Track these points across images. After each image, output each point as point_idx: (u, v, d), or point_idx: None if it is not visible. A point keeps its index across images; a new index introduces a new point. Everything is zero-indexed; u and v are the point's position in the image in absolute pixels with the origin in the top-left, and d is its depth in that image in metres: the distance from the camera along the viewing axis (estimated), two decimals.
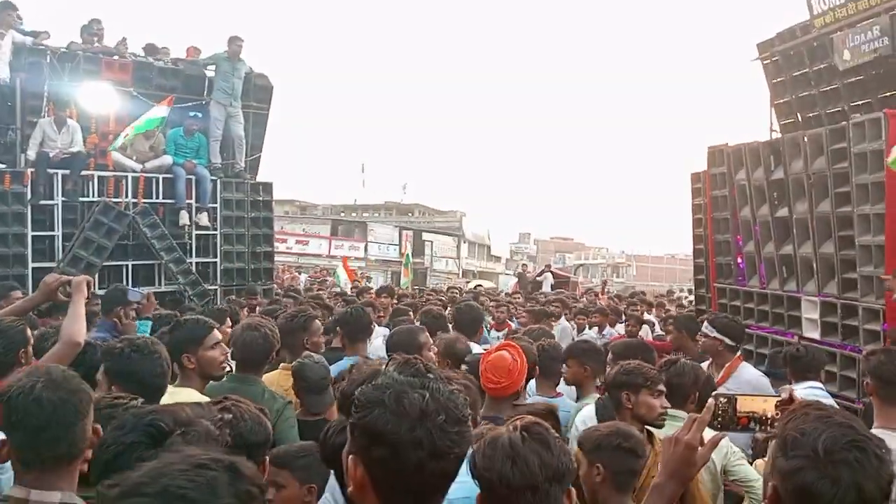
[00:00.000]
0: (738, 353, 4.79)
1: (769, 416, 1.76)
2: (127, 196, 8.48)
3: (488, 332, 7.06)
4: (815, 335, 5.87)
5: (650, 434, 3.00)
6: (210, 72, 9.46)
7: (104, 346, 2.87)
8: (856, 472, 1.35)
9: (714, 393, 1.84)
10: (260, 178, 10.13)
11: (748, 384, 4.41)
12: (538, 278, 21.28)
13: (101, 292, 4.73)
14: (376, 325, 5.52)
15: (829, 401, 3.98)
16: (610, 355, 4.13)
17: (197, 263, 9.01)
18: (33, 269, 7.77)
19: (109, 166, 8.59)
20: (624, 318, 9.11)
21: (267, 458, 2.10)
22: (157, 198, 8.76)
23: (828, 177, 5.62)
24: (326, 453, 1.92)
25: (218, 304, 8.15)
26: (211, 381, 3.25)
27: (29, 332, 2.96)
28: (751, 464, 3.35)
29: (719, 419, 1.79)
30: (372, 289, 12.89)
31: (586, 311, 9.07)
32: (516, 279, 22.99)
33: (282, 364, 3.91)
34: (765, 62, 7.88)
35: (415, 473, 1.25)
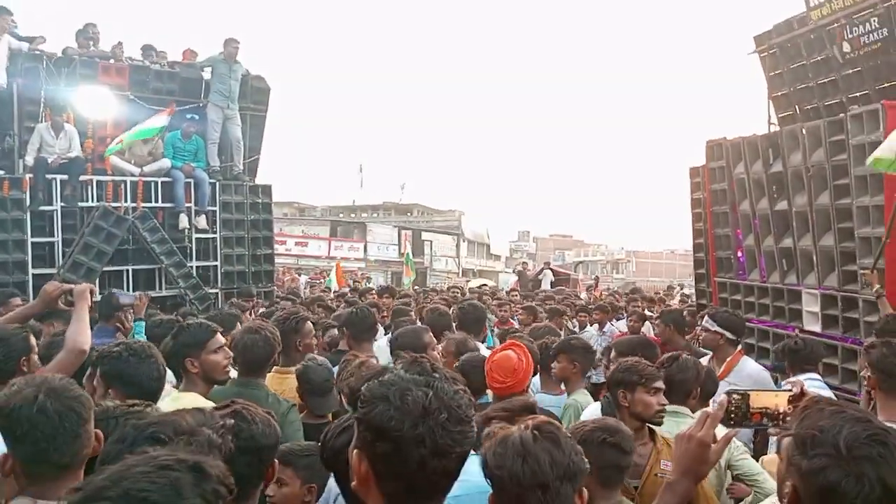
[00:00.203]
0: (739, 348, 4.81)
1: (781, 410, 1.75)
2: (126, 200, 8.50)
3: (491, 330, 7.07)
4: (816, 328, 5.87)
5: (652, 431, 3.00)
6: (207, 74, 9.46)
7: (100, 350, 2.86)
8: (879, 467, 1.33)
9: (727, 390, 1.82)
10: (258, 180, 10.13)
11: (749, 378, 4.44)
12: (538, 276, 21.29)
13: (128, 297, 4.73)
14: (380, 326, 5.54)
15: (828, 392, 4.00)
16: (613, 353, 4.15)
17: (197, 267, 9.01)
18: (33, 275, 7.80)
19: (108, 171, 8.60)
20: (625, 314, 9.12)
21: (276, 459, 2.10)
22: (157, 202, 8.78)
23: (826, 169, 5.61)
24: (327, 456, 1.92)
25: (218, 308, 8.14)
26: (215, 386, 3.25)
27: (32, 340, 2.93)
28: (755, 458, 3.36)
29: (732, 415, 1.76)
30: (373, 289, 12.91)
31: (587, 308, 9.08)
32: (516, 277, 22.97)
33: (275, 367, 3.88)
34: (762, 55, 7.87)
35: (416, 470, 1.26)
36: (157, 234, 8.51)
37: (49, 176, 7.99)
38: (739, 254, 7.26)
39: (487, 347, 4.92)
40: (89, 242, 7.97)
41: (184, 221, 8.85)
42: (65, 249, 8.04)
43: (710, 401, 4.02)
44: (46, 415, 1.83)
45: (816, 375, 4.22)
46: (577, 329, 8.25)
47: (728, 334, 4.70)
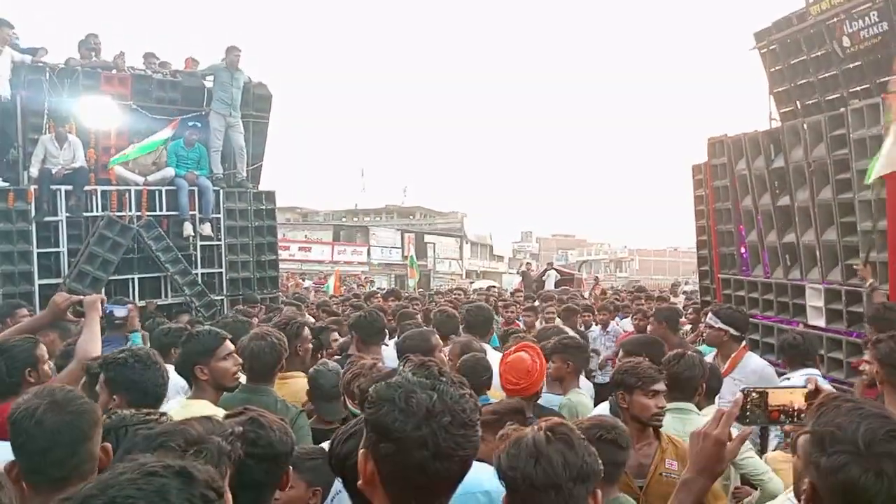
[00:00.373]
0: (744, 343, 4.81)
1: (796, 407, 1.74)
2: (130, 209, 8.52)
3: (499, 331, 7.09)
4: (821, 322, 5.88)
5: (657, 431, 3.01)
6: (209, 82, 9.49)
7: (104, 357, 2.86)
8: None
9: (742, 388, 1.81)
10: (261, 186, 10.16)
11: (754, 373, 4.44)
12: (542, 277, 21.31)
13: (122, 309, 4.70)
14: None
15: (828, 387, 4.00)
16: (621, 352, 4.16)
17: (202, 274, 9.02)
18: (40, 286, 7.83)
19: (112, 181, 8.63)
20: (630, 313, 9.11)
21: (291, 466, 2.11)
22: (161, 210, 8.80)
23: (828, 164, 5.62)
24: (335, 461, 1.90)
25: (223, 315, 8.17)
26: (224, 393, 3.26)
27: (39, 350, 2.92)
28: (760, 455, 3.37)
29: (749, 413, 1.75)
30: (378, 293, 12.94)
31: (591, 308, 9.08)
32: (520, 278, 22.99)
33: None
34: (762, 51, 7.88)
35: (418, 472, 1.27)
36: (161, 242, 8.54)
37: (53, 187, 8.02)
38: (743, 250, 7.27)
39: (493, 348, 4.95)
40: (94, 252, 8.00)
41: (188, 229, 8.88)
42: (70, 259, 8.07)
43: (716, 398, 4.04)
44: (42, 428, 1.83)
45: (816, 371, 4.22)
46: (582, 328, 8.25)
47: (732, 330, 4.71)
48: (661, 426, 3.01)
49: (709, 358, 4.49)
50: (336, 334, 5.82)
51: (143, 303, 8.03)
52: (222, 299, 9.16)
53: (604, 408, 3.52)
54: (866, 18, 6.23)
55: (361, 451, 1.35)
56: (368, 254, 37.16)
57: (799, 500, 1.48)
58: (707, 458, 1.67)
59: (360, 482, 1.36)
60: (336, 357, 4.73)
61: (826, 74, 7.03)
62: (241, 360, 3.30)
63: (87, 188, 8.28)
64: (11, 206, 7.75)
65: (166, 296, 8.78)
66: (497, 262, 51.06)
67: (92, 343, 2.99)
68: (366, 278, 29.46)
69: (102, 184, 8.56)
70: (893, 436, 1.35)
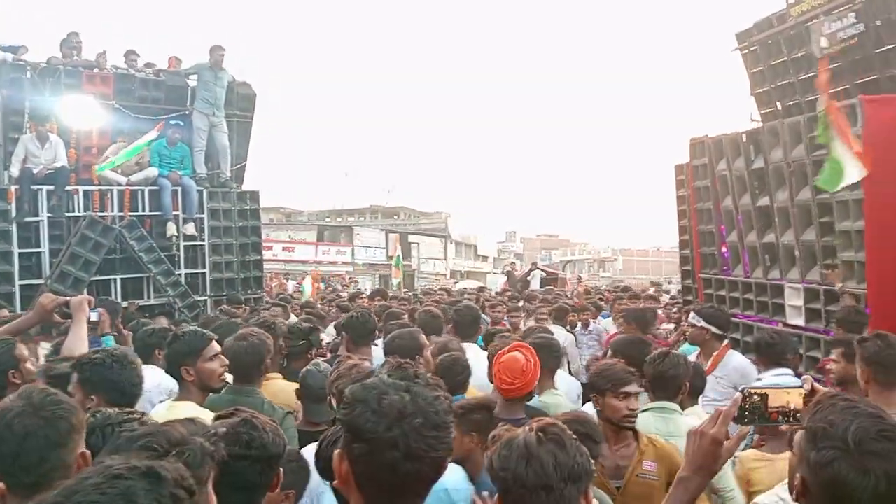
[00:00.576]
0: (726, 342, 4.88)
1: (792, 407, 1.76)
2: (113, 210, 8.46)
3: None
4: (800, 322, 5.96)
5: (636, 432, 3.03)
6: (192, 82, 9.44)
7: (79, 357, 2.84)
8: (887, 463, 1.35)
9: (742, 388, 1.82)
10: (245, 186, 10.13)
11: (736, 371, 4.52)
12: (527, 277, 21.38)
13: (94, 313, 4.65)
14: None
15: (823, 388, 4.04)
16: (609, 352, 4.19)
17: (186, 275, 8.98)
18: (20, 286, 7.77)
19: (94, 180, 8.56)
20: (611, 312, 9.19)
21: (281, 468, 2.11)
22: (144, 210, 8.75)
23: (807, 164, 5.70)
24: (323, 464, 1.92)
25: (205, 315, 8.11)
26: (210, 394, 3.26)
27: (19, 350, 2.91)
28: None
29: (747, 413, 1.76)
30: (363, 293, 12.93)
31: (576, 308, 9.15)
32: (504, 278, 23.05)
33: None
34: (744, 52, 7.97)
35: (389, 472, 1.29)
36: (144, 242, 8.48)
37: (35, 187, 7.95)
38: (724, 250, 7.36)
39: (481, 347, 4.99)
40: (76, 252, 7.93)
41: (171, 229, 8.83)
42: (52, 260, 7.99)
43: (700, 397, 4.09)
44: (12, 431, 1.79)
45: (788, 370, 4.25)
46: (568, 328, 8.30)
47: (714, 329, 4.79)
48: (632, 427, 3.02)
49: (692, 357, 4.55)
50: (323, 334, 5.83)
51: (125, 304, 7.98)
52: (206, 300, 9.11)
53: (589, 408, 3.55)
54: (844, 20, 6.33)
55: (337, 451, 1.37)
56: (352, 254, 37.06)
57: (792, 495, 1.51)
58: (704, 456, 1.69)
59: (335, 482, 1.38)
60: (326, 357, 4.74)
61: (806, 76, 7.12)
62: (227, 361, 3.30)
63: (68, 188, 8.22)
64: None
65: (149, 297, 8.72)
66: (481, 262, 51.15)
67: (79, 344, 2.99)
68: (350, 279, 29.36)
69: (84, 183, 8.50)
70: (885, 436, 1.38)
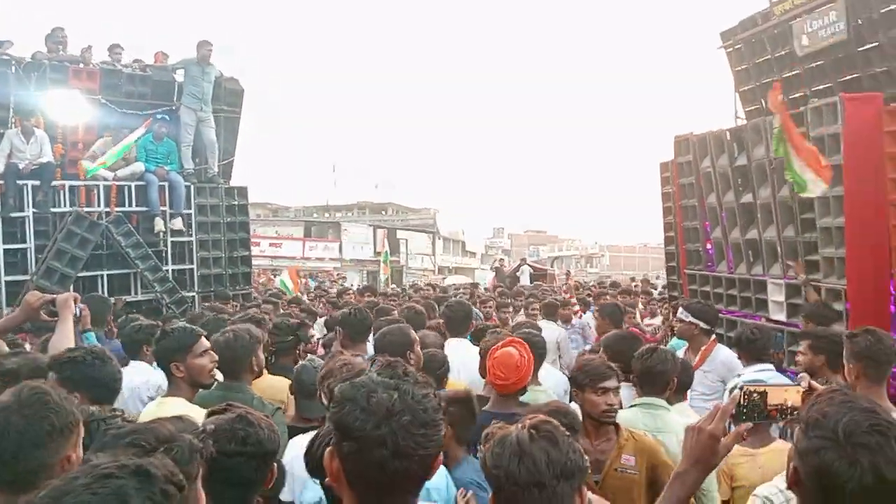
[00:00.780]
0: (713, 337, 4.94)
1: (790, 405, 1.78)
2: (99, 205, 8.41)
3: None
4: (782, 317, 6.05)
5: (617, 427, 3.05)
6: (179, 77, 9.38)
7: (56, 356, 2.80)
8: (876, 456, 1.36)
9: (740, 384, 1.84)
10: (232, 182, 10.08)
11: (723, 365, 4.59)
12: (516, 272, 21.47)
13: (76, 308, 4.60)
14: None
15: (821, 387, 4.10)
16: (602, 348, 4.22)
17: (173, 271, 8.94)
18: (6, 282, 7.72)
19: (80, 176, 8.49)
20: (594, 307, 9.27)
21: (275, 464, 2.12)
22: (130, 206, 8.69)
23: None
24: (315, 464, 1.92)
25: (193, 311, 8.10)
26: (200, 390, 3.25)
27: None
28: None
29: (746, 410, 1.76)
30: (350, 289, 12.93)
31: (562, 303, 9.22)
32: (493, 274, 23.14)
33: None
34: (728, 50, 8.07)
35: (378, 470, 1.31)
36: (131, 238, 8.42)
37: (20, 182, 7.88)
38: (708, 246, 7.45)
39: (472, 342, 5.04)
40: (63, 248, 7.87)
41: (158, 225, 8.78)
42: (38, 256, 7.93)
43: (689, 391, 4.15)
44: None
45: (770, 366, 4.30)
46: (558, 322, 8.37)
47: (702, 324, 4.85)
48: (611, 422, 3.04)
49: (680, 353, 4.61)
50: (313, 330, 5.85)
51: (112, 300, 7.94)
52: (194, 296, 9.07)
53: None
54: (825, 18, 6.42)
55: (328, 449, 1.40)
56: (340, 250, 36.96)
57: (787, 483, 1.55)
58: (701, 451, 1.70)
59: (327, 479, 1.40)
60: (317, 353, 4.76)
61: (789, 73, 7.22)
62: (216, 357, 3.29)
63: (54, 183, 8.14)
64: None
65: (136, 293, 8.68)
66: (469, 257, 51.21)
67: (65, 342, 2.97)
68: (338, 274, 29.31)
69: (70, 179, 8.42)
70: (876, 430, 1.39)
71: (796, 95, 7.15)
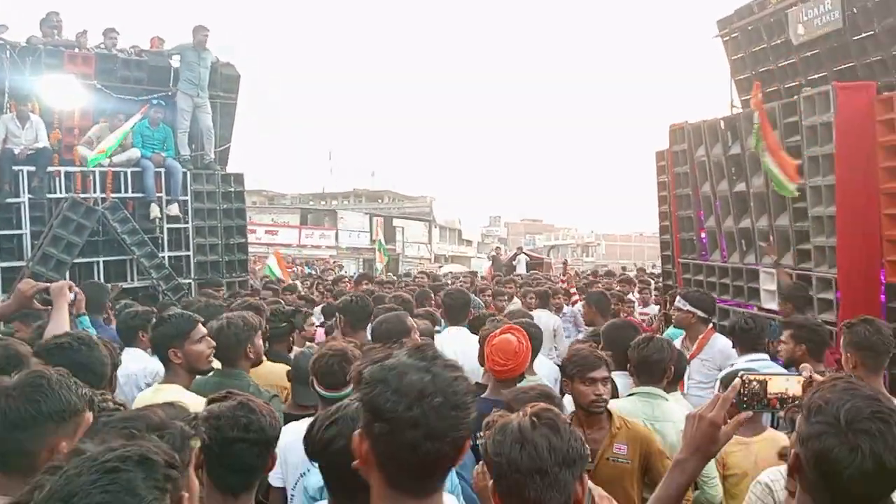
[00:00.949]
0: (711, 325, 4.96)
1: (791, 394, 1.78)
2: (95, 191, 8.38)
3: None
4: (773, 306, 6.06)
5: (610, 416, 3.07)
6: (175, 62, 9.34)
7: (42, 343, 2.79)
8: (876, 443, 1.37)
9: (741, 373, 1.83)
10: (229, 169, 10.04)
11: (721, 353, 4.62)
12: (512, 261, 21.53)
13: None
14: None
15: (779, 370, 4.15)
16: (601, 338, 4.24)
17: (170, 257, 8.92)
18: (1, 268, 7.71)
19: (76, 162, 8.47)
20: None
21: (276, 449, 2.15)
22: (126, 192, 8.66)
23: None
24: (314, 448, 1.92)
25: (189, 298, 8.11)
26: (196, 377, 3.27)
27: None
28: None
29: (746, 399, 1.76)
30: (345, 277, 12.97)
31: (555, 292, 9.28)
32: (489, 263, 23.19)
33: None
34: (724, 39, 8.06)
35: (410, 452, 1.29)
36: (127, 224, 8.39)
37: (16, 167, 7.85)
38: (702, 235, 7.49)
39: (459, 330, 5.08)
40: (58, 234, 7.84)
41: (154, 211, 8.75)
42: (33, 242, 7.92)
43: (686, 378, 4.18)
44: None
45: (765, 355, 4.30)
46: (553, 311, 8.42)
47: (699, 313, 4.89)
48: (599, 412, 3.05)
49: (677, 342, 4.64)
50: (312, 318, 5.89)
51: (109, 286, 7.95)
52: (190, 283, 9.05)
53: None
54: (821, 7, 6.42)
55: (357, 431, 1.38)
56: (336, 238, 36.96)
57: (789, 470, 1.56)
58: (701, 439, 1.71)
59: (355, 462, 1.39)
60: (316, 340, 4.78)
61: (785, 62, 7.22)
62: (214, 343, 3.30)
63: (50, 169, 8.11)
64: None
65: (132, 279, 8.66)
66: (466, 246, 51.26)
67: (61, 331, 2.97)
68: (334, 262, 29.32)
69: (66, 165, 8.39)
70: (877, 417, 1.40)
71: (791, 84, 7.16)
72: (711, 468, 3.10)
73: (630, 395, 3.50)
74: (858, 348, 3.09)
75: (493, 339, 3.41)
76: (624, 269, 19.15)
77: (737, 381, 1.78)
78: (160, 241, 8.87)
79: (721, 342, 4.77)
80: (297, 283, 12.43)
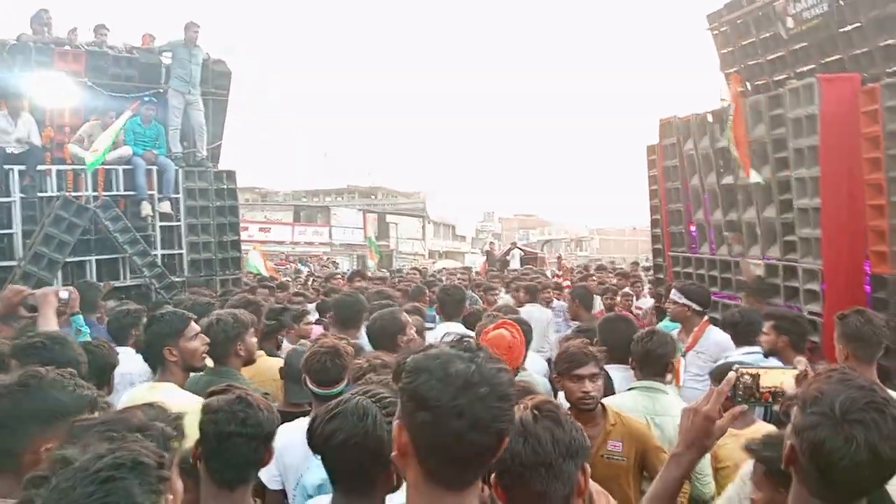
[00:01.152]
0: (706, 318, 4.99)
1: (784, 388, 1.77)
2: (87, 189, 8.35)
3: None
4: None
5: (605, 411, 3.07)
6: (166, 59, 9.33)
7: (16, 343, 2.80)
8: (871, 433, 1.38)
9: (735, 366, 1.83)
10: (221, 166, 10.04)
11: (716, 345, 4.64)
12: (506, 256, 21.58)
13: (64, 292, 4.56)
14: None
15: (772, 363, 4.19)
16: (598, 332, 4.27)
17: (162, 255, 8.91)
18: None
19: (67, 160, 8.44)
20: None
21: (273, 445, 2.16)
22: (118, 190, 8.64)
23: (767, 143, 5.83)
24: (315, 442, 1.93)
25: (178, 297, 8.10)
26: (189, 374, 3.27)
27: None
28: None
29: (740, 393, 1.76)
30: (338, 274, 12.99)
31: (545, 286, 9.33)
32: (483, 258, 23.23)
33: None
34: (714, 32, 8.10)
35: (454, 443, 1.26)
36: (119, 222, 8.36)
37: (6, 166, 7.81)
38: (692, 228, 7.54)
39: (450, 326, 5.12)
40: (50, 233, 7.81)
41: (146, 209, 8.73)
42: (25, 241, 7.88)
43: (682, 371, 4.21)
44: None
45: (758, 348, 4.29)
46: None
47: (695, 306, 4.93)
48: (588, 409, 3.04)
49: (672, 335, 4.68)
50: (309, 316, 5.91)
51: (101, 284, 7.94)
52: (183, 280, 9.03)
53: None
54: (809, 0, 6.46)
55: (396, 422, 1.35)
56: (330, 234, 36.93)
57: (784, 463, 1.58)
58: (696, 433, 1.71)
59: (393, 454, 1.36)
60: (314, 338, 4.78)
61: (774, 55, 7.24)
62: (208, 340, 3.31)
63: (41, 168, 8.09)
64: None
65: (125, 278, 8.64)
66: (460, 241, 51.26)
67: None
68: (328, 259, 29.32)
69: (57, 163, 8.37)
70: (872, 407, 1.41)
71: (781, 77, 7.18)
72: (705, 464, 3.11)
73: (631, 389, 3.49)
74: (850, 339, 3.11)
75: (486, 335, 3.43)
76: (612, 262, 19.18)
77: (731, 374, 1.78)
78: (152, 240, 8.85)
79: (716, 335, 4.79)
80: (289, 280, 12.45)
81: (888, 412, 1.41)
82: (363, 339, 4.17)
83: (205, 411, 2.10)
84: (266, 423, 2.09)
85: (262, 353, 4.35)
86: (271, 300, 7.21)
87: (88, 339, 3.72)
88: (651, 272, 10.30)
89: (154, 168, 8.85)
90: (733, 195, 6.50)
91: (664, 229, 8.13)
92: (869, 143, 5.04)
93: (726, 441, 3.21)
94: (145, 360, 3.35)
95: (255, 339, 3.70)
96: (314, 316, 6.91)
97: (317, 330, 6.33)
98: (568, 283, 10.50)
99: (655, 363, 3.44)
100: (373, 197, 51.88)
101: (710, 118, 6.85)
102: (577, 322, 5.94)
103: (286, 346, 5.16)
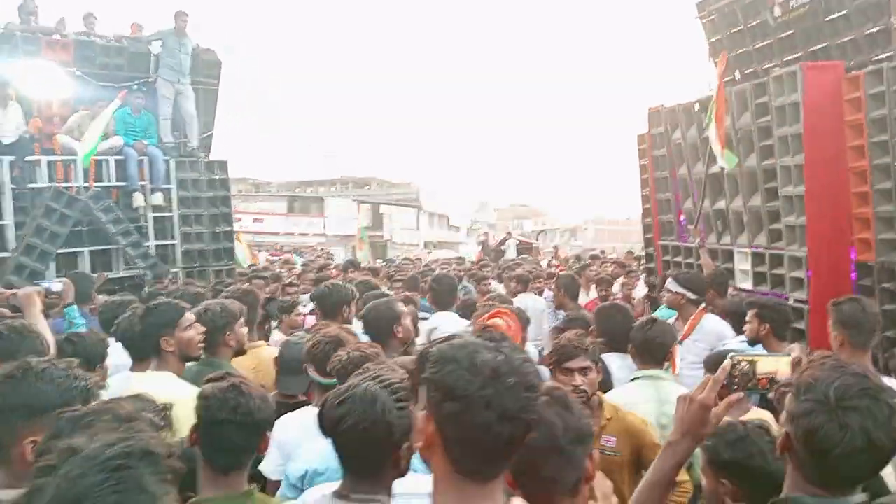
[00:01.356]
0: (702, 306, 5.01)
1: (780, 375, 1.77)
2: (78, 180, 8.31)
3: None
4: (748, 285, 6.17)
5: (601, 405, 3.06)
6: (155, 49, 9.28)
7: None
8: (865, 419, 1.38)
9: (731, 354, 1.83)
10: (212, 156, 10.01)
11: (713, 333, 4.67)
12: (501, 246, 21.61)
13: (58, 283, 4.54)
14: None
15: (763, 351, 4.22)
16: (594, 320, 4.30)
17: (156, 246, 8.90)
18: None
19: (56, 150, 8.40)
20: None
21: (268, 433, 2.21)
22: (109, 180, 8.62)
23: (752, 131, 5.87)
24: (326, 425, 1.93)
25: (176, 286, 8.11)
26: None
27: None
28: None
29: (736, 380, 1.76)
30: (331, 265, 13.00)
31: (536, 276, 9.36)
32: (479, 248, 23.25)
33: None
34: (703, 21, 8.12)
35: (481, 433, 1.25)
36: (111, 213, 8.34)
37: None
38: (681, 217, 7.59)
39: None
40: (42, 225, 7.79)
41: (138, 200, 8.72)
42: (17, 233, 7.86)
43: (678, 360, 4.24)
44: None
45: (745, 338, 4.29)
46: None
47: (690, 294, 4.94)
48: (581, 402, 2.95)
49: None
50: (300, 307, 5.93)
51: (95, 276, 7.93)
52: (177, 271, 9.03)
53: None
54: None
55: (421, 413, 1.32)
56: (324, 225, 36.84)
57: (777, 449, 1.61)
58: (692, 421, 1.70)
59: (419, 446, 1.35)
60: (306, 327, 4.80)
61: (762, 44, 7.28)
62: (203, 329, 3.31)
63: (31, 158, 8.06)
64: None
65: (118, 269, 8.63)
66: (454, 232, 51.22)
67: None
68: (322, 250, 29.27)
69: (47, 154, 8.33)
70: (866, 394, 1.42)
71: (768, 66, 7.21)
72: (698, 457, 3.15)
73: (634, 378, 3.49)
74: (845, 326, 3.13)
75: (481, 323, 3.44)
76: (603, 252, 19.17)
77: (727, 362, 1.78)
78: (145, 230, 8.84)
79: (712, 322, 4.83)
80: (283, 272, 12.43)
81: (882, 399, 1.42)
82: (356, 329, 4.13)
83: (199, 397, 2.16)
84: (257, 412, 2.12)
85: (262, 343, 4.39)
86: (266, 291, 7.23)
87: (83, 329, 3.72)
88: (644, 261, 10.34)
89: (145, 158, 8.83)
90: (720, 184, 6.54)
91: (654, 218, 8.18)
92: (852, 131, 5.09)
93: None
94: (130, 349, 3.36)
95: (245, 330, 3.69)
96: (309, 306, 6.94)
97: (310, 320, 6.37)
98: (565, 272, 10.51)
99: (656, 351, 3.43)
100: (367, 187, 51.75)
101: (697, 107, 6.88)
102: (562, 311, 5.97)
103: (277, 337, 5.18)
